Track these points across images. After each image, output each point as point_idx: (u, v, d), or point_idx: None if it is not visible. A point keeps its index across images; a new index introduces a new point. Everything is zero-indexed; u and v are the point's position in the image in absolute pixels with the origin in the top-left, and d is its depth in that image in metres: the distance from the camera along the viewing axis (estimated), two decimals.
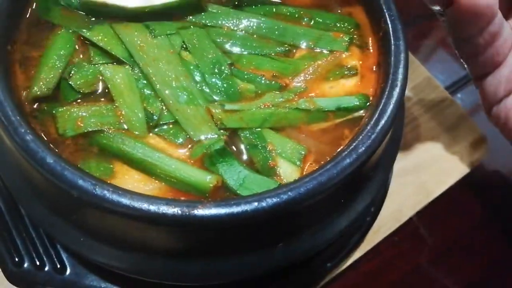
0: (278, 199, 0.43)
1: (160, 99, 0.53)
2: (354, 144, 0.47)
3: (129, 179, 0.48)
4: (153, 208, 0.41)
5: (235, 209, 0.42)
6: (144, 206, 0.41)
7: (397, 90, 0.50)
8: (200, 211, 0.41)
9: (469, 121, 0.92)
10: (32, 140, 0.43)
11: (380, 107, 0.49)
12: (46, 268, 0.58)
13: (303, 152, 0.51)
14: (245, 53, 0.58)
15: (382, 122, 0.49)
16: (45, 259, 0.58)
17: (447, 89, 1.00)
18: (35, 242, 0.59)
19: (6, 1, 0.52)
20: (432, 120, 0.92)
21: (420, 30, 1.12)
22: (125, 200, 0.41)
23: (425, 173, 0.84)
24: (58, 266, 0.58)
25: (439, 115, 0.92)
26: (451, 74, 1.04)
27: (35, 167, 0.42)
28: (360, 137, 0.48)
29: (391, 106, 0.50)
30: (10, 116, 0.44)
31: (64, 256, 0.58)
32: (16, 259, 0.58)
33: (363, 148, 0.47)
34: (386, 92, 0.50)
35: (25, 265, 0.57)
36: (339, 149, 0.51)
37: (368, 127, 0.49)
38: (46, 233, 0.58)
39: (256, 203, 0.42)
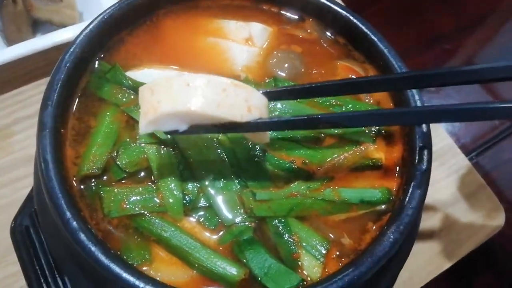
0: None
1: (197, 182, 0.58)
2: (374, 249, 0.51)
3: (166, 265, 0.53)
4: None
5: None
6: None
7: (416, 201, 0.53)
8: None
9: (488, 190, 0.94)
10: (82, 232, 0.48)
11: (399, 216, 0.53)
12: None
13: (326, 248, 0.55)
14: (278, 137, 0.62)
15: (401, 227, 0.53)
16: None
17: (468, 153, 1.03)
18: None
19: (60, 89, 0.56)
20: (452, 186, 0.95)
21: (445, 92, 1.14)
22: None
23: (440, 241, 0.87)
24: None
25: (458, 182, 0.95)
26: (473, 138, 1.06)
27: (84, 256, 0.47)
28: (380, 242, 0.51)
29: (410, 213, 0.53)
30: (62, 206, 0.49)
31: None
32: None
33: (382, 254, 0.51)
34: (407, 199, 0.54)
35: None
36: (361, 247, 0.55)
37: (388, 232, 0.52)
38: None
39: None
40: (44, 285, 0.64)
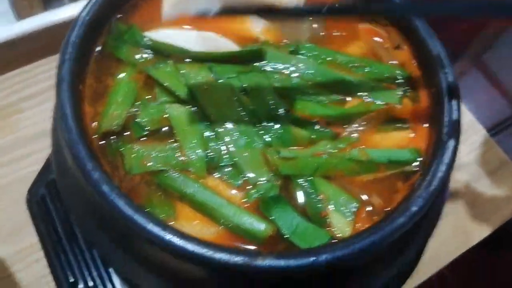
0: (332, 255, 0.45)
1: (220, 141, 0.56)
2: (408, 204, 0.49)
3: (191, 221, 0.51)
4: (217, 256, 0.43)
5: (293, 262, 0.44)
6: (209, 253, 0.43)
7: (449, 155, 0.51)
8: (260, 262, 0.44)
9: (511, 166, 0.92)
10: (105, 183, 0.46)
11: (432, 170, 0.51)
12: None
13: (355, 207, 0.53)
14: (301, 98, 0.60)
15: (435, 183, 0.50)
16: (98, 281, 0.61)
17: (489, 130, 1.00)
18: (89, 264, 0.62)
19: (77, 45, 0.55)
20: (474, 163, 0.92)
21: (463, 68, 1.12)
22: (191, 247, 0.43)
23: (465, 217, 0.85)
24: None
25: (481, 158, 0.93)
26: (493, 115, 1.04)
27: (106, 208, 0.45)
28: (414, 197, 0.49)
29: (442, 171, 0.51)
30: (83, 157, 0.47)
31: (116, 280, 0.61)
32: (71, 280, 0.61)
33: (416, 209, 0.49)
34: (438, 158, 0.52)
35: (80, 286, 0.61)
36: (391, 206, 0.52)
37: (422, 187, 0.50)
38: (102, 258, 0.61)
39: (312, 258, 0.44)
40: (61, 254, 0.62)
